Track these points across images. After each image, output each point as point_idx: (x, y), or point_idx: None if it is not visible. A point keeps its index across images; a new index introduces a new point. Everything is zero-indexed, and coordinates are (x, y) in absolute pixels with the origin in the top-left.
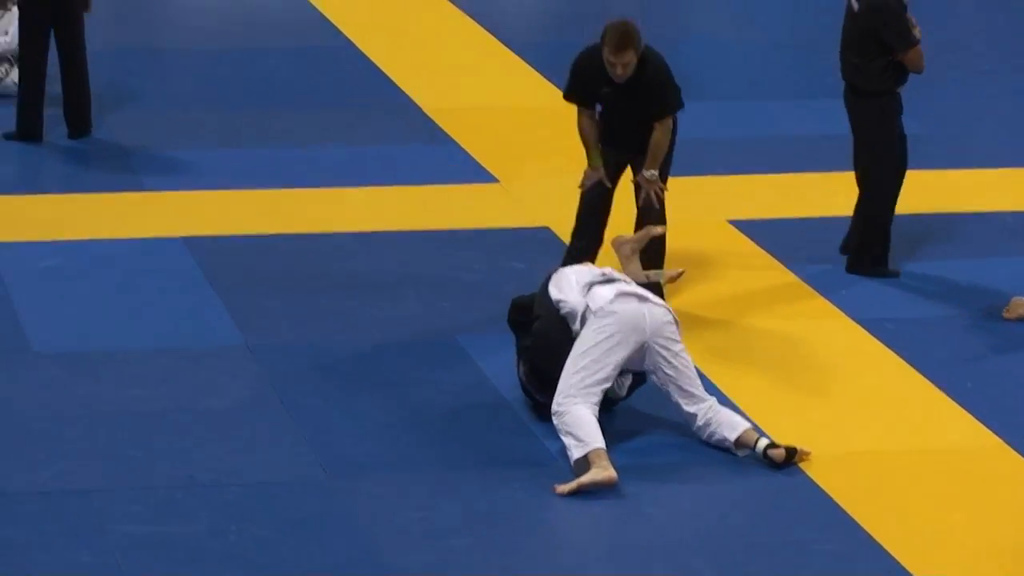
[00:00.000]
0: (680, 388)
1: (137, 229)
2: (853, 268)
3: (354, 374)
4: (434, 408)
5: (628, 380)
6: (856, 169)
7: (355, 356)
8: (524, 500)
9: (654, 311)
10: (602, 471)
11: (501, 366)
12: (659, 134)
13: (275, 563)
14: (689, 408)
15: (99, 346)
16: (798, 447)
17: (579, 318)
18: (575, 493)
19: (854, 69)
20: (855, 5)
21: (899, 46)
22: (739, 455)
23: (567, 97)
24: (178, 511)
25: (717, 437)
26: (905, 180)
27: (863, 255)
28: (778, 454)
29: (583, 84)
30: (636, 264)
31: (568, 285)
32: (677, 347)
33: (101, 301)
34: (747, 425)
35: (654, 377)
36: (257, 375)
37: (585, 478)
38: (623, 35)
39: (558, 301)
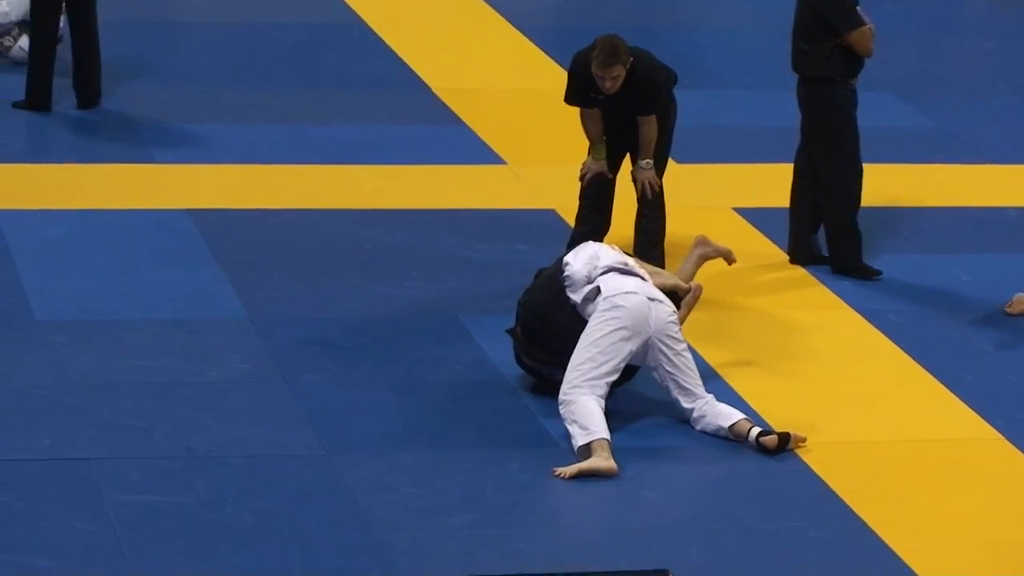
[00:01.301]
0: (679, 385)
1: (143, 201)
2: (835, 269)
3: (355, 350)
4: (434, 386)
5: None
6: (797, 162)
7: (357, 332)
8: (522, 480)
9: (659, 309)
10: (604, 460)
11: (502, 346)
12: (646, 127)
13: (271, 536)
14: (687, 404)
15: (102, 316)
16: (792, 433)
17: (580, 289)
18: (575, 477)
19: (802, 56)
20: None
21: (842, 25)
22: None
23: (567, 102)
24: (175, 481)
25: (712, 427)
26: (918, 174)
27: (837, 257)
28: (770, 441)
29: (579, 90)
30: (692, 265)
31: (584, 257)
32: (680, 346)
33: (105, 271)
34: (741, 416)
35: (655, 374)
36: (259, 348)
37: (586, 464)
38: (610, 52)
39: (565, 263)
